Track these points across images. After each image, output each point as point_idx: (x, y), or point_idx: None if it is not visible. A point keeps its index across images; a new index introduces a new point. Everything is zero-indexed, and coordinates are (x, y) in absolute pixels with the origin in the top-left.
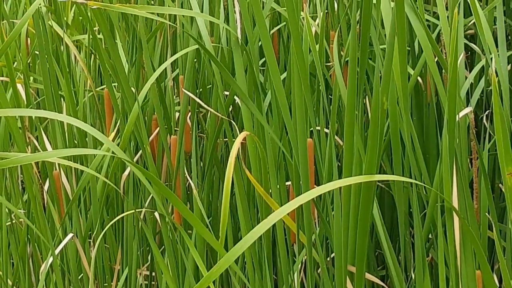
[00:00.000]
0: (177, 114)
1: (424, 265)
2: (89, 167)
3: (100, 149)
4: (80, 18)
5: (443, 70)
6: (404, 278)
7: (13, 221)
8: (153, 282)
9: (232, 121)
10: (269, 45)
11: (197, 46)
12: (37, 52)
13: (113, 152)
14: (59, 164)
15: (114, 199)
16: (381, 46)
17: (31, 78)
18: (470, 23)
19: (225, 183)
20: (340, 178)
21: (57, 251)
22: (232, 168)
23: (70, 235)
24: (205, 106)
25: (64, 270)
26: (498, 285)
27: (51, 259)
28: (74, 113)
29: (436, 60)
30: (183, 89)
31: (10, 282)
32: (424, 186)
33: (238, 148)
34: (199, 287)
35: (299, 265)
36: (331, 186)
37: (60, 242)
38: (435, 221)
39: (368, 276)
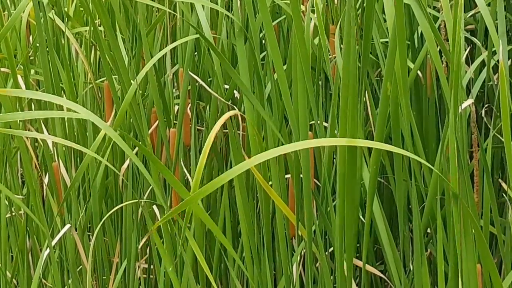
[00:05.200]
0: (176, 107)
1: (422, 256)
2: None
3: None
4: (81, 9)
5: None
6: (403, 272)
7: (13, 214)
8: (151, 275)
9: (235, 107)
10: (271, 32)
11: (196, 36)
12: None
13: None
14: (58, 156)
15: (113, 191)
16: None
17: (32, 70)
18: (468, 16)
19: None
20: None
21: (54, 241)
22: (212, 141)
23: (68, 226)
24: (207, 88)
25: (64, 262)
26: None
27: (48, 250)
28: None
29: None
30: (188, 71)
31: (9, 275)
32: (424, 179)
33: (239, 138)
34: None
35: (298, 258)
36: (326, 142)
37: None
38: (434, 214)
39: (368, 267)
